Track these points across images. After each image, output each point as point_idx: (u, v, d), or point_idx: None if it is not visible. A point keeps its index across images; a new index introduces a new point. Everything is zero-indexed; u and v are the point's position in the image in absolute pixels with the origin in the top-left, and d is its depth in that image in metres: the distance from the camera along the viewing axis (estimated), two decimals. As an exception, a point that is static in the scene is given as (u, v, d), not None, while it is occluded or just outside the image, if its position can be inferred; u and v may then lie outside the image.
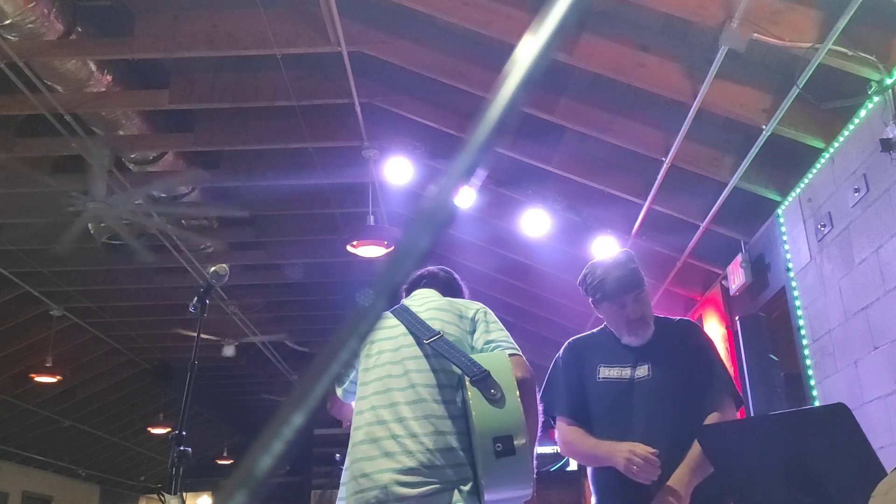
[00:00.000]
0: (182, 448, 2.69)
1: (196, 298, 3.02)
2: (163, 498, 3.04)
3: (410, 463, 2.03)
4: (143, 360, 11.18)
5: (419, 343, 2.26)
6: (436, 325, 2.28)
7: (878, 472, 2.31)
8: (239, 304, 8.88)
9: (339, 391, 2.43)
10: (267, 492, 0.42)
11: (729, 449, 2.31)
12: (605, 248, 5.92)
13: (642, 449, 2.32)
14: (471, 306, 2.42)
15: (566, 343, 2.73)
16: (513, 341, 2.31)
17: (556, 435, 2.64)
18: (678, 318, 2.78)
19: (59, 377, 9.71)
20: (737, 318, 5.13)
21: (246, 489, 0.41)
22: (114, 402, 12.52)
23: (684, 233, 5.69)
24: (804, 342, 4.49)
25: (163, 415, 12.76)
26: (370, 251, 6.09)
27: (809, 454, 2.19)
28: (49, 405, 11.31)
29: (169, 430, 7.56)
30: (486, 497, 1.98)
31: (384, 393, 2.20)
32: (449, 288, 2.60)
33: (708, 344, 2.62)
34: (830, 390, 4.14)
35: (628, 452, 2.33)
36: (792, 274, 4.63)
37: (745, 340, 4.86)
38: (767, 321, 4.93)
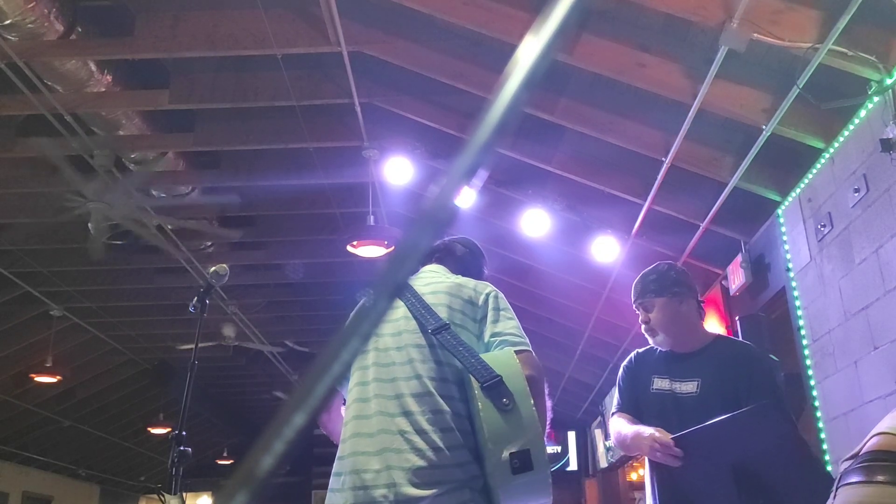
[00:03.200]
0: (182, 448, 2.69)
1: (196, 298, 3.03)
2: (163, 498, 3.04)
3: (420, 462, 1.89)
4: (143, 360, 11.18)
5: (423, 331, 2.07)
6: (442, 313, 2.08)
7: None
8: (239, 304, 8.88)
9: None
10: (267, 492, 0.42)
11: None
12: (605, 248, 5.93)
13: (661, 434, 2.41)
14: (480, 290, 2.18)
15: (632, 353, 2.87)
16: (522, 333, 2.12)
17: (609, 428, 2.80)
18: (742, 341, 2.89)
19: (59, 377, 9.71)
20: (737, 318, 5.12)
21: (247, 489, 0.41)
22: (114, 402, 12.52)
23: (684, 233, 5.69)
24: (804, 342, 4.49)
25: (163, 415, 12.76)
26: (370, 251, 6.09)
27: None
28: (49, 405, 11.31)
29: (169, 430, 7.56)
30: None
31: (388, 382, 2.03)
32: (462, 264, 2.39)
33: (766, 379, 2.62)
34: (830, 390, 4.14)
35: (650, 439, 2.43)
36: (792, 274, 4.63)
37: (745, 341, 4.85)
38: (767, 321, 4.93)
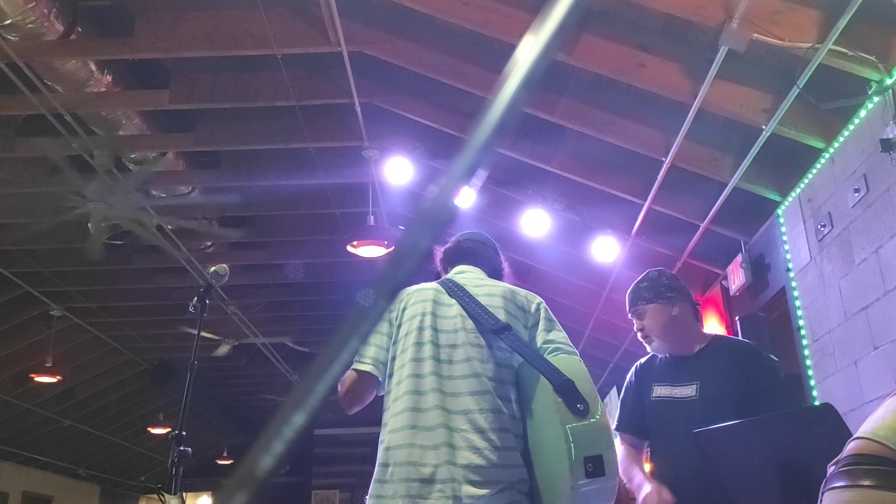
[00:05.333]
0: (182, 448, 2.69)
1: (196, 298, 3.03)
2: (163, 498, 3.04)
3: (478, 461, 1.90)
4: (143, 360, 11.18)
5: (482, 331, 2.08)
6: (500, 315, 2.10)
7: None
8: (239, 304, 8.88)
9: (365, 367, 2.11)
10: (267, 492, 0.42)
11: (725, 453, 2.33)
12: (605, 248, 5.93)
13: (665, 495, 2.41)
14: (531, 299, 2.25)
15: (635, 364, 2.87)
16: (572, 345, 2.17)
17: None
18: (740, 339, 2.89)
19: (59, 377, 9.70)
20: (737, 318, 5.12)
21: (246, 489, 0.41)
22: (114, 402, 12.51)
23: (684, 233, 5.69)
24: (804, 342, 4.49)
25: (163, 415, 12.77)
26: (370, 251, 6.09)
27: (801, 455, 2.21)
28: (49, 405, 11.31)
29: (169, 430, 7.56)
30: None
31: (447, 379, 2.02)
32: (494, 266, 2.43)
33: (768, 375, 2.61)
34: (830, 390, 4.14)
35: (648, 498, 2.43)
36: (792, 274, 4.63)
37: (745, 340, 4.85)
38: (767, 321, 4.93)
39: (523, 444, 1.99)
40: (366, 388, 2.13)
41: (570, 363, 2.02)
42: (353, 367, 2.11)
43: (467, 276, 2.29)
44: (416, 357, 2.07)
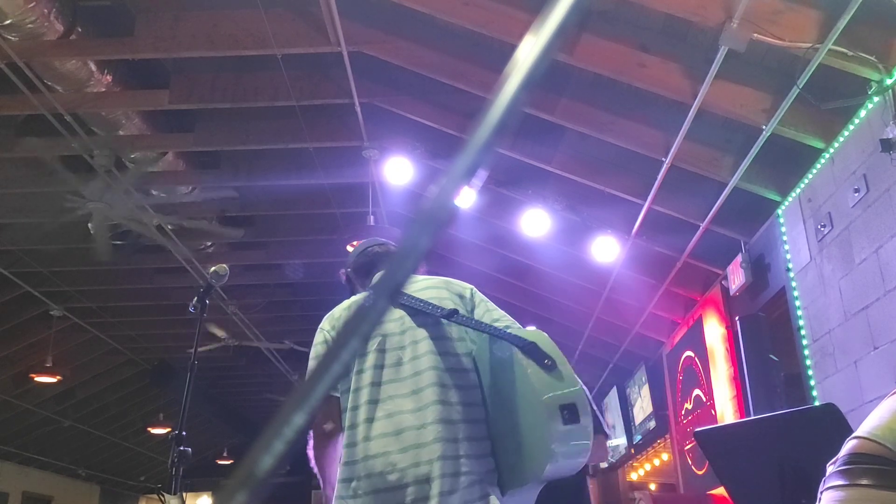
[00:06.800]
0: (182, 448, 2.69)
1: (196, 298, 3.02)
2: (163, 498, 3.04)
3: (450, 452, 1.91)
4: (143, 360, 11.18)
5: (431, 323, 2.10)
6: (447, 305, 2.12)
7: None
8: (239, 304, 8.88)
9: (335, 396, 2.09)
10: (267, 492, 0.42)
11: (725, 452, 2.32)
12: (605, 248, 5.93)
13: None
14: (465, 285, 2.28)
15: None
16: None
17: None
18: None
19: (59, 377, 9.71)
20: (737, 318, 5.12)
21: (246, 489, 0.41)
22: (114, 402, 12.52)
23: (684, 233, 5.69)
24: (804, 342, 4.49)
25: (163, 415, 12.77)
26: (370, 251, 6.08)
27: (802, 455, 2.21)
28: (49, 405, 11.31)
29: (169, 430, 7.56)
30: (549, 468, 1.86)
31: (407, 380, 2.02)
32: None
33: None
34: (830, 390, 4.14)
35: None
36: (792, 274, 4.63)
37: (745, 341, 4.86)
38: (767, 321, 4.93)
39: (486, 430, 2.01)
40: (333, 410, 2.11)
41: (529, 332, 2.05)
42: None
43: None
44: (359, 369, 2.07)
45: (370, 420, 1.99)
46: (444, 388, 2.00)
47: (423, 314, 2.11)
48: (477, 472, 1.93)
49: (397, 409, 1.99)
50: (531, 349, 1.92)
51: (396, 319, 2.14)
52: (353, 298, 2.33)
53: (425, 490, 1.87)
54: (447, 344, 2.09)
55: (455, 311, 2.09)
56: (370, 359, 2.08)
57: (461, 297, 2.22)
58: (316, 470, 2.11)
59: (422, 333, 2.09)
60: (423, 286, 2.22)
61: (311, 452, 2.11)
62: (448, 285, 2.25)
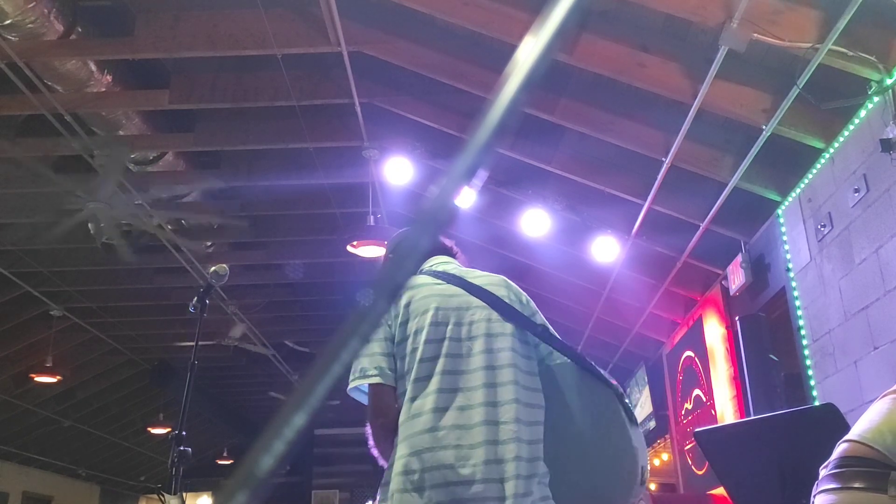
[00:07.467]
0: (182, 448, 2.69)
1: (196, 298, 3.03)
2: (163, 498, 3.04)
3: (525, 454, 1.81)
4: (143, 360, 11.18)
5: (518, 328, 1.96)
6: (523, 311, 2.00)
7: None
8: (239, 304, 8.88)
9: (373, 379, 1.89)
10: (267, 492, 0.42)
11: (725, 452, 2.32)
12: (605, 248, 5.93)
13: None
14: (520, 290, 2.09)
15: None
16: None
17: None
18: None
19: (59, 377, 9.70)
20: (737, 318, 5.12)
21: (246, 489, 0.41)
22: (114, 402, 12.52)
23: (684, 233, 5.69)
24: (804, 342, 4.49)
25: (163, 415, 12.75)
26: (370, 251, 6.09)
27: (802, 455, 2.21)
28: (49, 405, 11.31)
29: (169, 430, 7.56)
30: None
31: (489, 387, 1.86)
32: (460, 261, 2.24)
33: None
34: (830, 390, 4.14)
35: None
36: (792, 274, 4.63)
37: (745, 341, 4.86)
38: (767, 321, 4.93)
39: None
40: (386, 401, 1.92)
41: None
42: (358, 384, 1.92)
43: (451, 266, 2.10)
44: (432, 356, 1.90)
45: (440, 409, 1.83)
46: (521, 389, 1.88)
47: (509, 312, 1.96)
48: (539, 473, 1.84)
49: (468, 402, 1.84)
50: (622, 396, 1.88)
51: (470, 308, 1.96)
52: (419, 279, 2.08)
53: (498, 489, 1.75)
54: (520, 344, 1.95)
55: (547, 328, 1.98)
56: (443, 346, 1.91)
57: (521, 301, 2.05)
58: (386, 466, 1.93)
59: (508, 328, 1.94)
60: (486, 281, 2.04)
61: (374, 451, 1.93)
62: (508, 287, 2.06)
